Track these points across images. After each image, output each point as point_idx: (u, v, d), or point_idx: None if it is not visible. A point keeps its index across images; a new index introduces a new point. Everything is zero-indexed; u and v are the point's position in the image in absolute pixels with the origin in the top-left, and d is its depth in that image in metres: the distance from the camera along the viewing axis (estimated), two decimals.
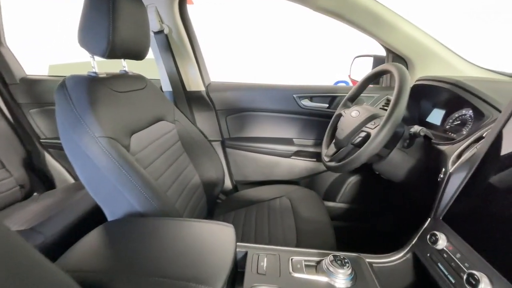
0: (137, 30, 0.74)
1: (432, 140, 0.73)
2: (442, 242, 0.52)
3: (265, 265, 0.59)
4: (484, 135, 0.57)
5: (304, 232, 0.86)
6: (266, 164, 1.29)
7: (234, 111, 1.28)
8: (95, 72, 0.74)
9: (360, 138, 0.74)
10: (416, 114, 0.99)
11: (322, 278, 0.55)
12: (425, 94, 0.93)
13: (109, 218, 0.68)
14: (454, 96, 0.79)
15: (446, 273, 0.49)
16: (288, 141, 1.27)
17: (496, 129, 0.49)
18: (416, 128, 0.70)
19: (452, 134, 0.79)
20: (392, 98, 0.66)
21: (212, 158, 1.11)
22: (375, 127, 0.70)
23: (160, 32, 1.08)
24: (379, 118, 0.73)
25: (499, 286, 0.40)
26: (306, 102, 1.23)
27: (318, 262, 0.60)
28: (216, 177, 1.12)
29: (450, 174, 0.56)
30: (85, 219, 1.02)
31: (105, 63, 0.76)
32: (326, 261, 0.57)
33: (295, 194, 1.09)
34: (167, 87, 1.22)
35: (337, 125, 0.95)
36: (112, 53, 0.68)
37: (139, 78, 0.90)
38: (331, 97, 1.21)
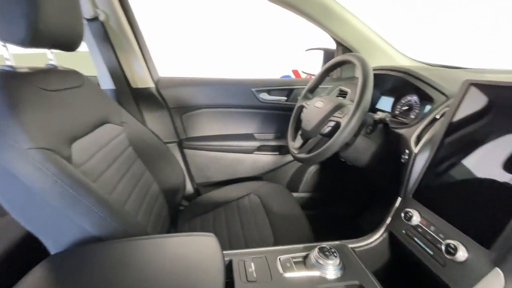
0: (67, 13, 0.60)
1: (390, 125, 0.79)
2: (416, 218, 0.56)
3: (254, 271, 0.54)
4: (437, 117, 0.64)
5: (280, 228, 0.85)
6: (229, 163, 1.24)
7: (189, 109, 1.18)
8: (11, 66, 0.57)
9: (329, 128, 0.75)
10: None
11: (313, 273, 0.54)
12: (374, 84, 1.01)
13: (53, 250, 0.54)
14: (401, 84, 0.87)
15: (424, 246, 0.53)
16: (249, 137, 1.24)
17: (452, 110, 0.55)
18: (381, 115, 0.74)
19: (402, 119, 0.87)
20: (359, 88, 0.69)
21: (170, 161, 1.01)
22: (344, 116, 0.72)
23: (95, 19, 0.91)
24: (344, 107, 0.76)
25: (473, 250, 0.45)
26: (264, 96, 1.21)
27: (305, 257, 0.58)
28: (176, 182, 1.02)
29: (416, 154, 0.60)
30: (11, 257, 0.80)
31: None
32: (314, 254, 0.56)
33: (262, 190, 1.06)
34: (107, 84, 1.05)
35: (300, 117, 0.96)
36: (35, 41, 0.53)
37: (73, 74, 0.74)
38: (288, 89, 1.21)
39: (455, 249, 0.46)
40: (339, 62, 0.84)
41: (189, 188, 1.24)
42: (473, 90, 0.52)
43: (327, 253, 0.56)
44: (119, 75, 1.03)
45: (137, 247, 0.47)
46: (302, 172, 1.31)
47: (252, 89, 1.17)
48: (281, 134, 1.29)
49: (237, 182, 1.17)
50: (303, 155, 0.81)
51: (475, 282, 0.43)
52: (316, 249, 0.57)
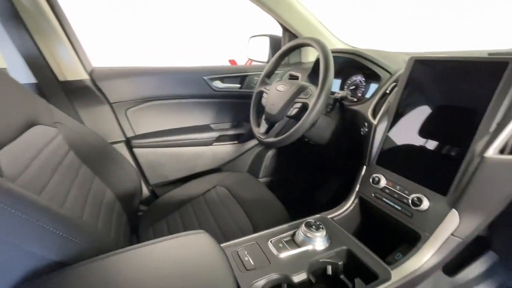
0: None
1: (344, 103, 0.86)
2: (382, 181, 0.63)
3: (250, 259, 0.53)
4: (387, 91, 0.73)
5: (255, 214, 0.85)
6: (187, 157, 1.16)
7: (134, 103, 1.05)
8: None
9: (296, 110, 0.78)
10: (316, 83, 1.14)
11: (305, 248, 0.56)
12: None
13: None
14: (348, 65, 0.96)
15: (392, 203, 0.61)
16: (206, 128, 1.18)
17: (402, 84, 0.63)
18: (342, 93, 0.80)
19: (352, 97, 0.96)
20: (321, 69, 0.72)
21: (120, 164, 0.89)
22: (309, 97, 0.75)
23: None
24: (307, 89, 0.79)
25: (433, 199, 0.54)
26: (218, 84, 1.16)
27: (293, 235, 0.60)
28: (131, 186, 0.90)
29: (375, 126, 0.68)
30: None
31: None
32: (302, 230, 0.58)
33: (228, 180, 1.04)
34: (24, 77, 0.84)
35: (260, 103, 0.96)
36: None
37: None
38: (241, 77, 1.20)
39: (420, 201, 0.54)
40: (297, 45, 0.87)
41: (145, 191, 1.12)
42: (417, 65, 0.61)
43: (313, 226, 0.59)
44: (40, 66, 0.83)
45: (126, 261, 0.40)
46: (261, 157, 1.33)
47: (204, 77, 1.11)
48: (237, 123, 1.27)
49: (198, 177, 1.11)
50: (271, 139, 0.82)
51: (438, 224, 0.52)
52: (303, 225, 0.59)
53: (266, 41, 1.37)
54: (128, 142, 1.06)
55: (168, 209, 0.95)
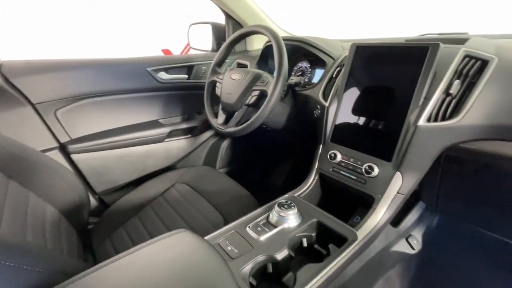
0: None
1: (296, 89, 0.92)
2: (338, 156, 0.71)
3: (233, 248, 0.54)
4: (333, 75, 0.80)
5: (224, 205, 0.85)
6: (137, 158, 1.07)
7: (66, 101, 0.90)
8: None
9: (254, 97, 0.79)
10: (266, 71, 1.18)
11: (281, 227, 0.60)
12: (270, 55, 1.11)
13: None
14: (294, 52, 1.01)
15: (348, 174, 0.69)
16: (155, 124, 1.10)
17: (347, 68, 0.71)
18: (295, 79, 0.84)
19: (295, 82, 1.02)
20: (276, 57, 0.75)
21: (58, 173, 0.77)
22: (267, 84, 0.77)
23: None
24: (263, 76, 0.81)
25: (381, 166, 0.63)
26: (163, 75, 1.09)
27: (268, 217, 0.63)
28: (76, 197, 0.80)
29: (327, 107, 0.75)
30: None
31: None
32: (275, 211, 0.62)
33: (187, 176, 1.00)
34: None
35: (214, 93, 0.94)
36: None
37: None
38: (188, 67, 1.14)
39: (371, 169, 0.63)
40: (247, 33, 0.87)
41: (92, 201, 0.99)
42: (359, 51, 0.69)
43: (285, 206, 0.63)
44: None
45: (111, 276, 0.35)
46: (217, 149, 1.32)
47: (147, 69, 1.02)
48: (188, 115, 1.22)
49: (152, 178, 1.04)
50: (233, 129, 0.82)
51: (387, 185, 0.62)
52: (275, 206, 0.63)
53: (208, 29, 1.33)
54: (63, 148, 0.91)
55: (125, 216, 0.87)
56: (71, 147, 0.91)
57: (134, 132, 1.03)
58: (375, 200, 0.63)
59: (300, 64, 1.05)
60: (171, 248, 0.41)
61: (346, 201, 0.72)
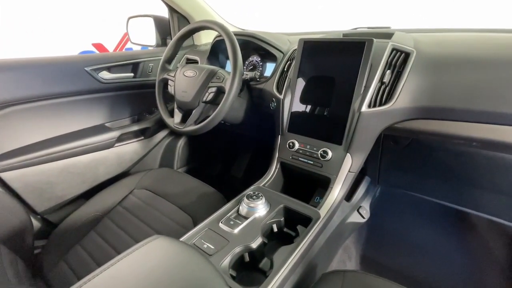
0: None
1: (251, 83, 0.94)
2: (296, 145, 0.77)
3: (209, 245, 0.55)
4: (285, 69, 0.85)
5: (190, 205, 0.84)
6: (85, 168, 0.97)
7: None
8: None
9: (212, 94, 0.79)
10: (218, 66, 1.17)
11: (252, 217, 0.63)
12: (220, 49, 1.11)
13: None
14: (244, 47, 1.03)
15: (306, 160, 0.75)
16: (101, 128, 1.01)
17: (298, 62, 0.76)
18: (250, 74, 0.86)
19: (250, 77, 1.05)
20: (230, 53, 0.75)
21: None
22: (223, 80, 0.78)
23: None
24: (218, 72, 0.81)
25: (334, 149, 0.71)
26: (105, 75, 0.99)
27: (238, 210, 0.66)
28: (16, 221, 0.70)
29: (282, 99, 0.79)
30: None
31: None
32: (244, 203, 0.65)
33: (146, 181, 0.96)
34: None
35: (166, 91, 0.91)
36: None
37: None
38: (133, 64, 1.06)
39: (326, 153, 0.71)
40: (197, 28, 0.85)
41: (35, 222, 0.87)
42: (307, 45, 0.75)
43: (253, 197, 0.66)
44: None
45: None
46: (172, 149, 1.27)
47: (86, 68, 0.92)
48: (138, 116, 1.15)
49: (104, 187, 0.96)
50: (192, 127, 0.81)
51: (340, 166, 0.70)
52: (244, 198, 0.65)
53: (150, 22, 1.25)
54: None
55: (79, 232, 0.80)
56: (0, 165, 0.78)
57: (78, 140, 0.93)
58: (331, 180, 0.71)
59: (251, 59, 1.07)
60: (151, 255, 0.40)
61: (306, 185, 0.78)
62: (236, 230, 0.59)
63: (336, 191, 0.70)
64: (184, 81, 0.82)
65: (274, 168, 0.81)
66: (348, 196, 0.85)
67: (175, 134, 1.24)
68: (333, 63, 0.72)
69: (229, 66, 1.15)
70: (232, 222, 0.61)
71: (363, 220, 0.88)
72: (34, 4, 3.21)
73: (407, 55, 0.67)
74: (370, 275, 0.56)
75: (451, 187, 0.79)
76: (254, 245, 0.56)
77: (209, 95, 0.79)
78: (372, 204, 1.01)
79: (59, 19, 3.35)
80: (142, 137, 1.13)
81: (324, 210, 0.66)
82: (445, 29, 0.93)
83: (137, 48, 1.39)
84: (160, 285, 0.34)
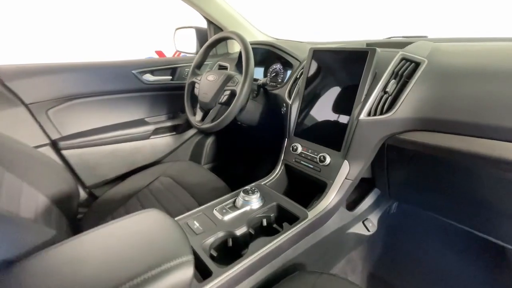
0: None
1: (268, 88, 1.00)
2: (299, 148, 0.80)
3: (198, 225, 0.63)
4: (298, 77, 0.89)
5: (200, 194, 0.93)
6: (125, 153, 1.15)
7: (56, 102, 0.98)
8: None
9: (226, 96, 0.88)
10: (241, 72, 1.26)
11: (244, 209, 0.69)
12: None
13: None
14: (268, 55, 1.10)
15: (307, 164, 0.78)
16: (141, 122, 1.18)
17: (306, 70, 0.80)
18: (262, 80, 0.93)
19: (273, 83, 1.11)
20: (244, 60, 0.83)
21: (50, 167, 0.85)
22: (236, 84, 0.86)
23: None
24: (234, 77, 0.90)
25: (332, 155, 0.72)
26: (148, 77, 1.17)
27: (234, 201, 0.72)
28: (67, 189, 0.88)
29: (290, 105, 0.83)
30: None
31: None
32: (240, 195, 0.71)
33: (171, 170, 1.09)
34: None
35: (193, 93, 1.03)
36: None
37: None
38: (172, 69, 1.23)
39: (324, 158, 0.72)
40: (221, 38, 0.95)
41: (83, 194, 1.08)
42: (316, 54, 0.78)
43: (249, 191, 0.71)
44: None
45: (85, 242, 0.44)
46: (201, 146, 1.40)
47: (133, 71, 1.10)
48: (173, 114, 1.30)
49: (139, 172, 1.13)
50: (207, 125, 0.91)
51: (337, 172, 0.71)
52: (241, 192, 0.71)
53: (193, 32, 1.41)
54: (54, 145, 0.99)
55: (112, 206, 0.96)
56: (62, 144, 0.99)
57: (122, 130, 1.12)
58: (327, 185, 0.72)
59: (274, 66, 1.13)
60: (139, 222, 0.50)
61: (308, 188, 0.81)
62: (226, 218, 0.65)
63: (331, 196, 0.71)
64: (206, 84, 0.93)
65: (278, 169, 0.86)
66: (351, 205, 0.84)
67: (201, 131, 1.37)
68: (338, 71, 0.74)
69: (255, 72, 1.24)
70: (224, 211, 0.68)
71: (368, 233, 0.85)
72: (117, 18, 3.86)
73: (417, 64, 0.66)
74: (347, 281, 0.56)
75: (474, 211, 0.71)
76: (238, 232, 0.62)
77: (224, 97, 0.88)
78: (386, 220, 0.96)
79: (134, 31, 3.97)
80: (174, 132, 1.28)
81: (313, 212, 0.67)
82: (485, 38, 0.85)
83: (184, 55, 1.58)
84: (132, 244, 0.43)
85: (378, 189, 0.86)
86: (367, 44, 0.91)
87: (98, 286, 0.36)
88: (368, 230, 0.85)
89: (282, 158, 0.86)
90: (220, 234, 0.61)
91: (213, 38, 0.96)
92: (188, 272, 0.42)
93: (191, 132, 1.33)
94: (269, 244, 0.57)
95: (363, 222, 0.85)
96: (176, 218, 0.65)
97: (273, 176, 0.84)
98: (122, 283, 0.36)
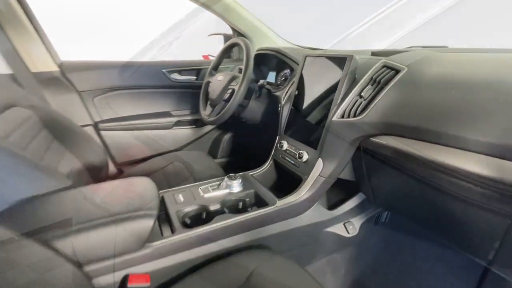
0: None
1: (271, 90, 1.09)
2: (285, 145, 0.87)
3: (181, 198, 0.75)
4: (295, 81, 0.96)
5: (200, 178, 1.05)
6: (150, 139, 1.35)
7: (101, 91, 1.22)
8: None
9: (228, 94, 0.99)
10: (260, 77, 1.37)
11: (224, 191, 0.78)
12: (262, 61, 1.30)
13: None
14: (279, 61, 1.19)
15: (290, 160, 0.84)
16: (166, 114, 1.37)
17: (298, 74, 0.87)
18: (260, 82, 1.03)
19: (281, 86, 1.19)
20: (244, 62, 0.94)
21: (89, 142, 1.07)
22: (236, 85, 0.97)
23: None
24: (238, 78, 1.01)
25: (310, 153, 0.78)
26: (176, 76, 1.36)
27: (219, 184, 0.82)
28: (98, 161, 1.08)
29: (283, 105, 0.91)
30: None
31: None
32: (225, 180, 0.81)
33: (185, 158, 1.24)
34: (2, 69, 0.99)
35: (208, 90, 1.17)
36: None
37: None
38: (197, 69, 1.40)
39: (302, 155, 0.78)
40: (231, 44, 1.08)
41: (112, 168, 1.30)
42: (308, 60, 0.85)
43: (233, 177, 0.81)
44: (15, 59, 0.98)
45: (76, 195, 0.59)
46: (219, 140, 1.54)
47: (163, 71, 1.30)
48: (195, 110, 1.47)
49: (159, 156, 1.30)
50: (211, 118, 1.03)
51: (312, 169, 0.76)
52: (226, 177, 0.81)
53: (221, 39, 1.58)
54: (95, 126, 1.23)
55: None
56: (101, 125, 1.23)
57: (149, 119, 1.32)
58: (302, 180, 0.77)
59: (285, 71, 1.21)
60: (130, 184, 0.64)
61: (291, 183, 0.87)
62: (206, 195, 0.76)
63: (304, 191, 0.76)
64: (216, 83, 1.06)
65: (267, 164, 0.94)
66: (332, 206, 0.86)
67: (221, 127, 1.51)
68: (324, 76, 0.79)
69: (270, 76, 1.33)
70: (207, 190, 0.79)
71: (348, 235, 0.86)
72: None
73: (397, 72, 0.68)
74: (291, 262, 0.61)
75: (448, 225, 0.69)
76: (212, 207, 0.72)
77: (227, 95, 1.00)
78: (377, 228, 0.96)
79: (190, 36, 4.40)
80: (194, 126, 1.44)
81: (283, 202, 0.74)
82: (497, 49, 0.81)
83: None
84: (117, 193, 0.56)
85: (363, 194, 0.87)
86: (373, 54, 0.93)
87: (88, 216, 0.50)
88: (348, 232, 0.87)
89: (272, 154, 0.93)
90: (195, 206, 0.71)
91: (226, 44, 1.09)
92: (149, 222, 0.54)
93: (209, 127, 1.48)
94: (232, 219, 0.66)
95: (344, 224, 0.87)
96: (166, 190, 0.78)
97: (261, 169, 0.92)
98: (101, 217, 0.49)
